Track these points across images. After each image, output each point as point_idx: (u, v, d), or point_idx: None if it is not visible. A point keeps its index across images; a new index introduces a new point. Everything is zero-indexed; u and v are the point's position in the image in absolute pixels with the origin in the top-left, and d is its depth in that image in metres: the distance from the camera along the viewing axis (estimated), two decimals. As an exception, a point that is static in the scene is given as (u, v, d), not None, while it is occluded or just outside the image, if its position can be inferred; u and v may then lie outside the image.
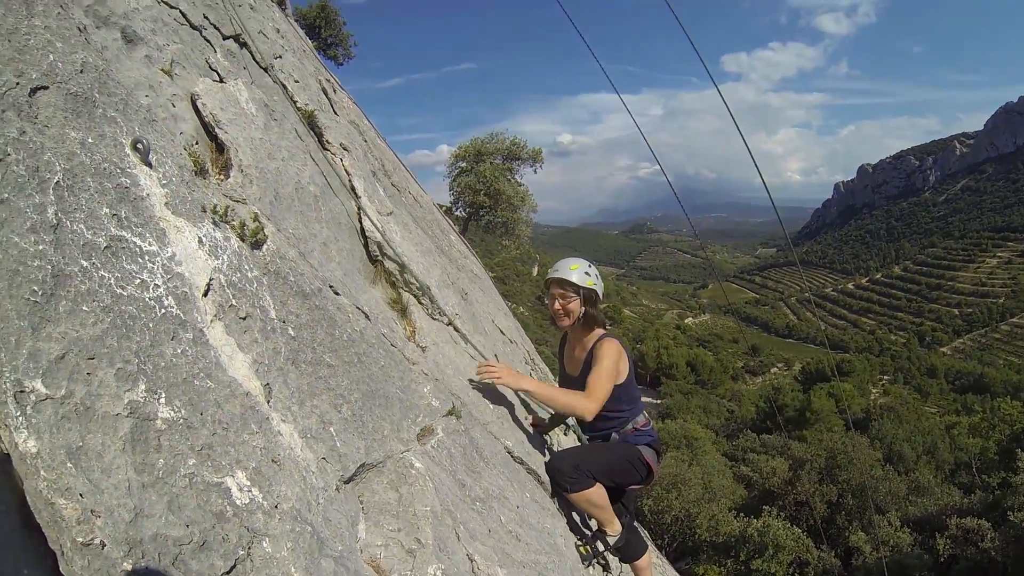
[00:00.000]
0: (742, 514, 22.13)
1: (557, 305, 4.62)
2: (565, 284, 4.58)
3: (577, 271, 4.59)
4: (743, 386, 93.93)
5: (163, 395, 2.06)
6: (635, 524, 5.30)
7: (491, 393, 4.86)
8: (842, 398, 48.60)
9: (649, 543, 7.00)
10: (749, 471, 28.24)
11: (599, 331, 4.71)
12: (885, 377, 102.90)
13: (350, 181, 4.99)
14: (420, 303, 4.88)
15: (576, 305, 4.59)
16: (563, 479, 4.49)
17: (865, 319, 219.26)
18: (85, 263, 2.03)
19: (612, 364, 4.45)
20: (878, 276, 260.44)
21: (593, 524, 5.07)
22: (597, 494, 4.52)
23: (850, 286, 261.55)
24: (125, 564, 1.67)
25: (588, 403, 4.32)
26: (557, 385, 5.14)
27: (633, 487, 4.94)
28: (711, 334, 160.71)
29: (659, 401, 67.34)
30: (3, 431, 1.62)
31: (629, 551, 5.04)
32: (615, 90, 4.84)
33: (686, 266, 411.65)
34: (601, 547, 4.87)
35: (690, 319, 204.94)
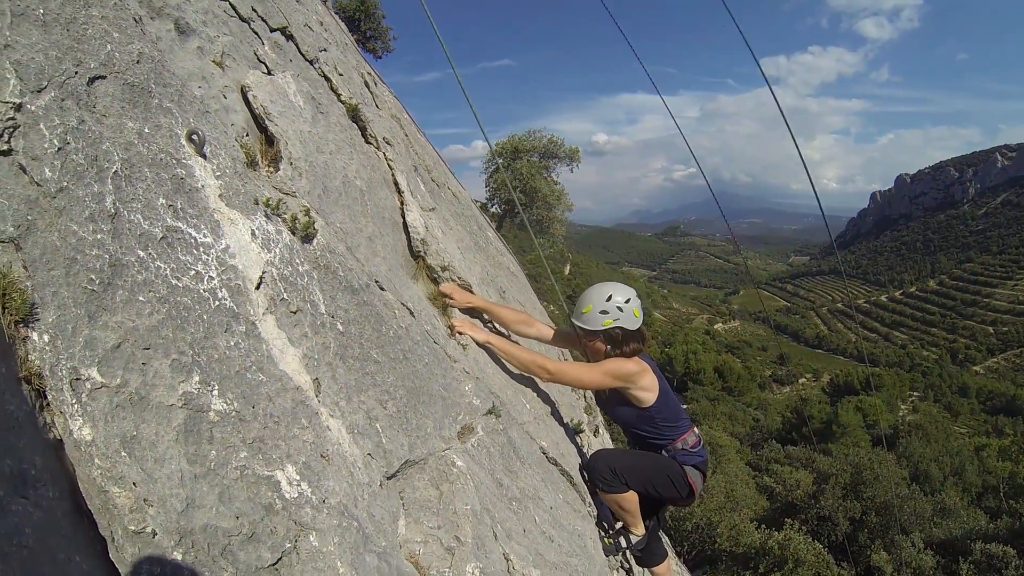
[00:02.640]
0: (763, 526, 21.82)
1: (585, 341, 4.47)
2: (582, 329, 4.40)
3: (591, 312, 4.33)
4: (770, 395, 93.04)
5: (216, 387, 2.06)
6: (659, 532, 5.26)
7: (529, 393, 4.84)
8: (870, 413, 48.04)
9: (669, 550, 6.96)
10: (772, 482, 27.84)
11: (636, 357, 4.40)
12: (915, 393, 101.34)
13: (393, 176, 4.98)
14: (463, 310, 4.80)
15: (599, 345, 4.37)
16: (597, 477, 4.48)
17: (897, 333, 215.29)
18: (142, 253, 2.03)
19: (611, 375, 4.27)
20: (912, 289, 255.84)
21: (617, 524, 5.04)
22: (628, 499, 4.49)
23: (883, 298, 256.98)
24: (175, 553, 1.68)
25: (547, 372, 4.36)
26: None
27: (670, 502, 4.86)
28: (740, 341, 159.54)
29: (685, 406, 66.95)
30: (58, 417, 1.63)
31: (648, 557, 5.00)
32: (658, 92, 4.78)
33: (718, 271, 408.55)
34: (623, 543, 4.85)
35: (720, 325, 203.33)
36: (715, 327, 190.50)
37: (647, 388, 4.32)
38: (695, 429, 4.63)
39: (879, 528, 22.46)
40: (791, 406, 55.24)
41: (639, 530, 4.79)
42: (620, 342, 4.31)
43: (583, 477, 4.92)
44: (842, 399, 54.87)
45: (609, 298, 4.30)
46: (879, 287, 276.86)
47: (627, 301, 4.31)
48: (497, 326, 5.01)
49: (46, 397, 1.62)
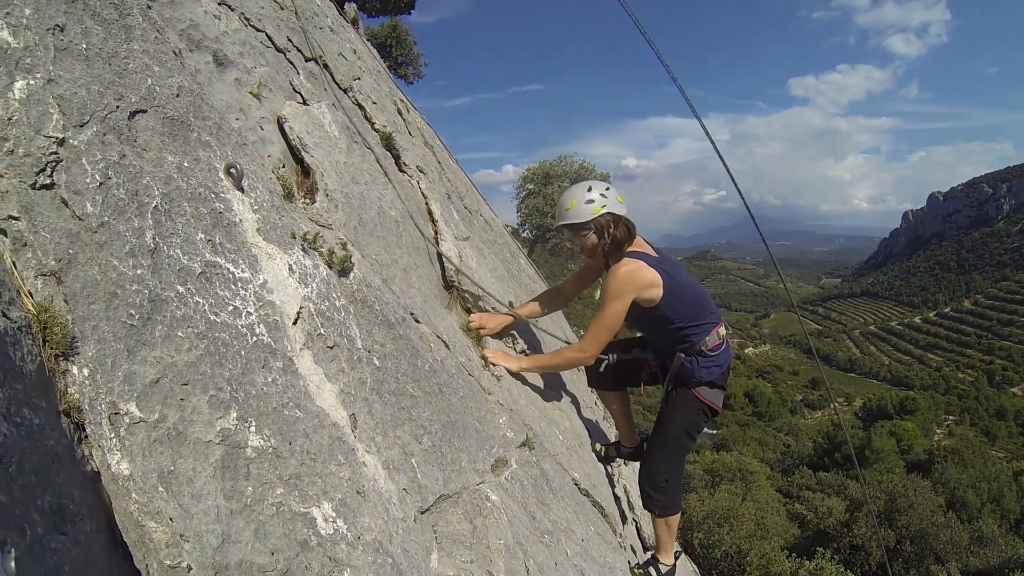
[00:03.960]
0: (794, 554, 21.39)
1: (576, 247, 4.21)
2: (571, 227, 4.14)
3: (576, 206, 4.07)
4: (801, 420, 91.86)
5: (253, 424, 2.05)
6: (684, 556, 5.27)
7: (562, 424, 4.80)
8: (904, 438, 47.23)
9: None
10: (804, 509, 27.29)
11: (625, 258, 4.11)
12: (951, 417, 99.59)
13: (427, 205, 4.99)
14: (495, 335, 4.79)
15: (592, 239, 4.09)
16: (653, 504, 4.50)
17: (931, 355, 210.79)
18: (181, 288, 2.03)
19: (614, 297, 4.02)
20: (947, 310, 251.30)
21: (646, 555, 5.01)
22: (677, 520, 4.61)
23: (917, 320, 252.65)
24: (210, 589, 1.66)
25: (581, 351, 4.26)
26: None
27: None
28: (771, 365, 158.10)
29: (715, 431, 66.43)
30: (96, 451, 1.62)
31: None
32: (697, 117, 4.69)
33: (748, 295, 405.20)
34: (653, 574, 4.79)
35: (750, 349, 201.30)
36: (746, 351, 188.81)
37: (651, 284, 4.04)
38: (720, 329, 4.35)
39: (914, 557, 21.94)
40: (823, 431, 54.44)
41: (669, 559, 4.78)
42: (611, 228, 4.06)
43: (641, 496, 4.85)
44: (875, 424, 54.07)
45: (590, 189, 4.12)
46: (913, 308, 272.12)
47: (607, 189, 4.13)
48: (535, 322, 4.98)
49: (84, 430, 1.62)
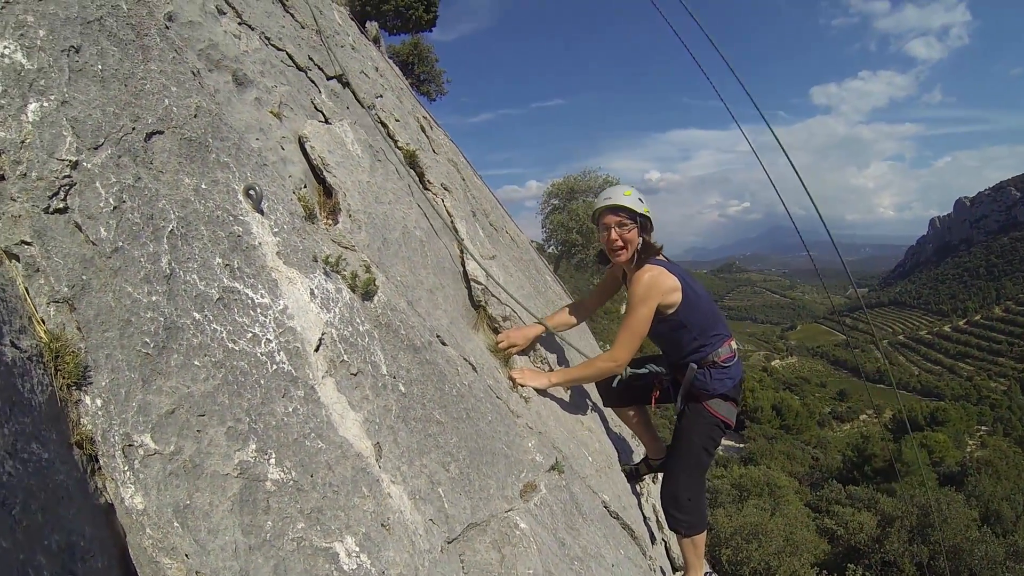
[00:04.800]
0: (824, 571, 20.98)
1: (614, 235, 4.17)
2: (621, 211, 4.17)
3: (631, 196, 4.19)
4: (829, 433, 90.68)
5: (273, 456, 1.99)
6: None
7: (591, 444, 4.70)
8: (936, 450, 46.45)
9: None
10: (834, 524, 26.77)
11: (647, 264, 4.18)
12: (983, 428, 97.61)
13: (452, 223, 4.92)
14: (523, 350, 4.72)
15: (635, 235, 4.17)
16: (679, 525, 4.45)
17: (962, 364, 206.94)
18: (198, 315, 1.98)
19: (642, 301, 4.05)
20: (977, 318, 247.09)
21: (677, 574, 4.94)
22: (703, 538, 4.55)
23: (946, 328, 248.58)
24: (226, 627, 1.61)
25: (612, 360, 4.20)
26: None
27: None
28: (798, 377, 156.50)
29: (742, 445, 65.82)
30: (109, 483, 1.58)
31: None
32: (738, 126, 4.62)
33: (774, 306, 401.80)
34: None
35: (777, 361, 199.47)
36: (772, 363, 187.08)
37: (672, 288, 4.10)
38: (731, 343, 4.41)
39: (949, 574, 21.47)
40: (852, 443, 53.59)
41: None
42: (650, 230, 4.27)
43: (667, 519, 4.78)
44: (905, 436, 53.21)
45: (638, 190, 4.30)
46: (942, 317, 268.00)
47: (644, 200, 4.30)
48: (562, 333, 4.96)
49: (98, 462, 1.59)
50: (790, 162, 4.00)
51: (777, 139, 4.02)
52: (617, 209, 4.18)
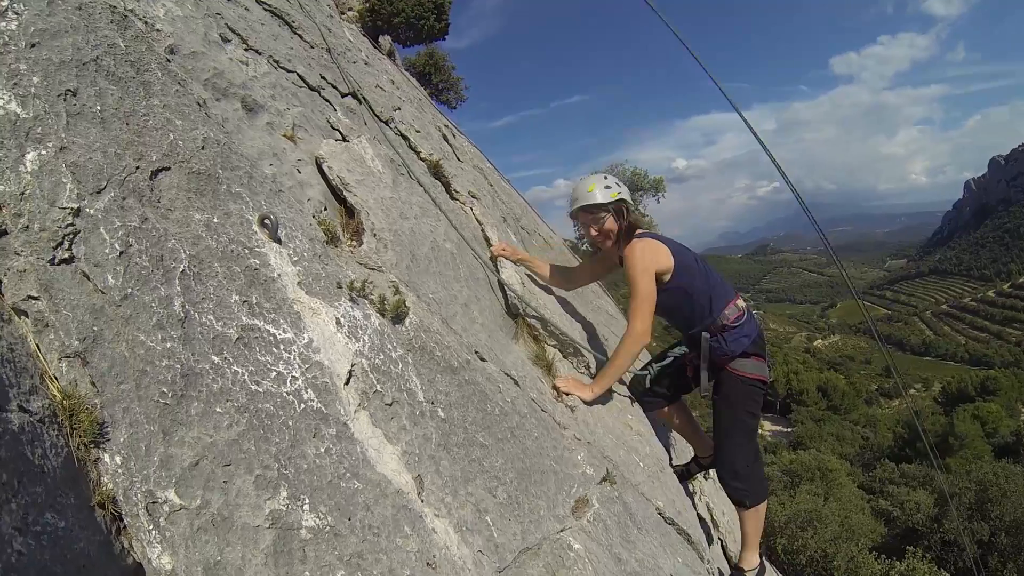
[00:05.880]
0: (883, 555, 20.45)
1: (593, 232, 4.39)
2: (592, 209, 4.34)
3: (596, 190, 4.33)
4: (878, 410, 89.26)
5: (307, 501, 1.90)
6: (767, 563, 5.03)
7: (642, 449, 4.57)
8: (989, 420, 45.50)
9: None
10: (889, 505, 26.14)
11: (634, 240, 4.32)
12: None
13: (483, 231, 4.86)
14: (565, 357, 4.64)
15: (611, 223, 4.34)
16: (743, 495, 4.42)
17: (1010, 329, 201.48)
18: (216, 359, 1.89)
19: (641, 273, 4.13)
20: (1022, 280, 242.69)
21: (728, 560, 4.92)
22: (764, 508, 4.52)
23: (991, 294, 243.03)
24: None
25: (633, 335, 4.14)
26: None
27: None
28: (842, 356, 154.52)
29: (790, 429, 65.05)
30: (135, 543, 1.51)
31: None
32: (738, 112, 4.53)
33: (812, 285, 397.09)
34: None
35: (819, 341, 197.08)
36: (815, 344, 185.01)
37: (665, 254, 4.27)
38: (738, 302, 4.45)
39: (1011, 550, 20.78)
40: (902, 420, 52.59)
41: (755, 558, 4.64)
42: (625, 214, 4.37)
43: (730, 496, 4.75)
44: (957, 408, 52.20)
45: (606, 177, 4.46)
46: (985, 282, 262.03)
47: (619, 182, 4.45)
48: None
49: (122, 521, 1.51)
50: (774, 160, 3.85)
51: (758, 136, 3.88)
52: (588, 208, 4.35)
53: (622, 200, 4.33)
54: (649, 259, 4.17)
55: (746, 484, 4.40)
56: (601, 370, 4.47)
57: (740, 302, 4.46)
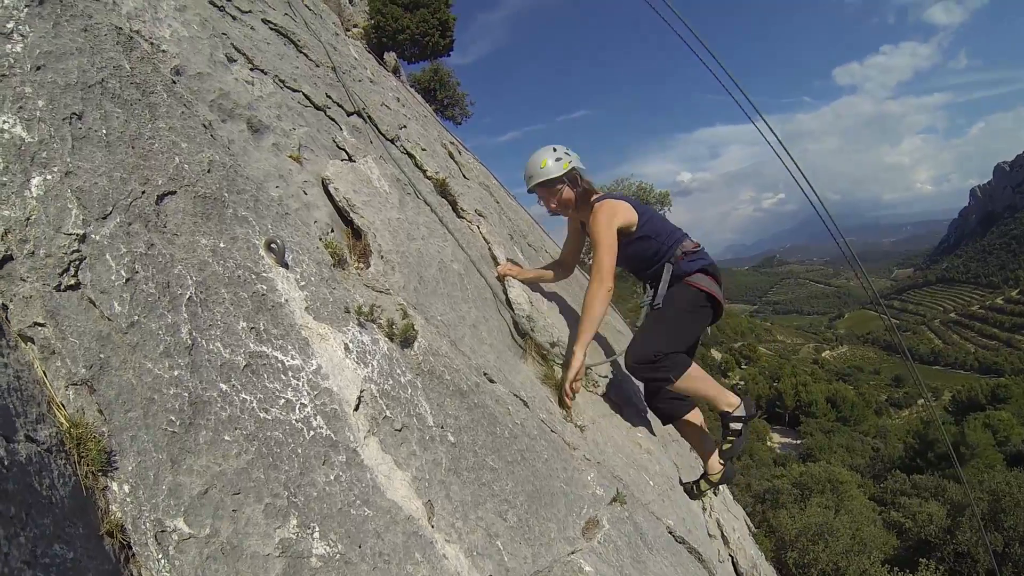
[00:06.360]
0: (896, 568, 20.24)
1: (553, 205, 4.61)
2: (547, 184, 4.52)
3: (547, 165, 4.51)
4: (888, 420, 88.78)
5: (317, 529, 1.87)
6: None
7: (652, 468, 4.54)
8: (1000, 429, 45.16)
9: None
10: (901, 517, 25.88)
11: (595, 204, 4.54)
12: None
13: (490, 250, 4.84)
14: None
15: (567, 192, 4.56)
16: (657, 372, 4.19)
17: (1020, 336, 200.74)
18: (224, 386, 1.87)
19: (604, 228, 4.33)
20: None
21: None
22: (696, 371, 4.26)
23: (999, 301, 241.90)
24: None
25: (599, 284, 4.27)
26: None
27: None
28: (850, 366, 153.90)
29: (799, 441, 64.76)
30: (144, 572, 1.49)
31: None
32: (762, 117, 4.52)
33: (819, 296, 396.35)
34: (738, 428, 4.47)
35: (827, 352, 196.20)
36: (823, 355, 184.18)
37: (627, 210, 4.48)
38: (690, 237, 4.67)
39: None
40: (912, 430, 52.23)
41: (731, 399, 4.43)
42: (579, 180, 4.58)
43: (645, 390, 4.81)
44: (968, 417, 51.84)
45: (555, 149, 4.58)
46: (993, 289, 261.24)
47: (568, 151, 4.60)
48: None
49: (131, 549, 1.49)
50: (784, 154, 3.83)
51: (780, 141, 3.86)
52: (543, 183, 4.53)
53: (574, 168, 4.51)
54: (613, 215, 4.37)
55: (659, 367, 4.17)
56: (577, 338, 4.41)
57: (692, 238, 4.66)
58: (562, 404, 4.15)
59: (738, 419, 4.42)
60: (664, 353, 4.15)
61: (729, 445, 4.45)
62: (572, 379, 4.12)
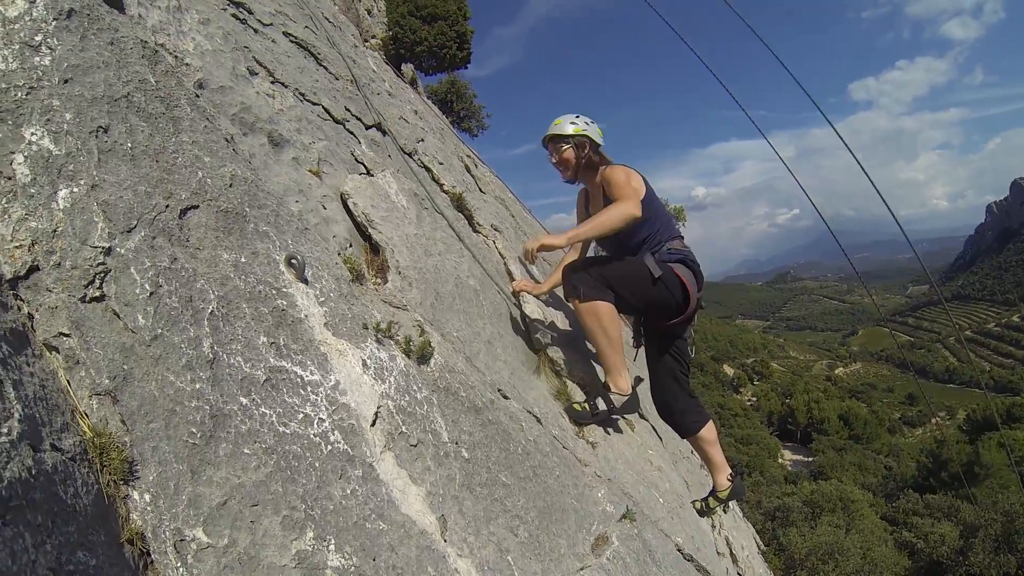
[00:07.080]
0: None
1: (554, 159, 4.66)
2: (556, 139, 4.61)
3: (562, 123, 4.60)
4: (901, 439, 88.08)
5: (332, 542, 1.89)
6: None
7: (662, 485, 4.54)
8: (1016, 448, 44.79)
9: None
10: (913, 537, 25.58)
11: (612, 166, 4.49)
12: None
13: (505, 265, 4.86)
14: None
15: (570, 153, 4.59)
16: (579, 283, 4.11)
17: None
18: (244, 400, 1.89)
19: (624, 177, 4.26)
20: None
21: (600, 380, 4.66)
22: (607, 310, 4.06)
23: (1015, 319, 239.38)
24: None
25: (625, 204, 4.07)
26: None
27: (673, 322, 4.42)
28: (864, 384, 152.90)
29: (811, 459, 64.33)
30: None
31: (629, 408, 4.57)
32: (765, 137, 4.50)
33: (833, 313, 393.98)
34: (601, 405, 4.25)
35: (840, 369, 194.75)
36: (836, 372, 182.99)
37: (640, 180, 4.38)
38: (683, 241, 4.57)
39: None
40: (925, 449, 51.79)
41: (621, 384, 4.28)
42: (587, 149, 4.57)
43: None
44: (982, 436, 51.40)
45: (578, 116, 4.64)
46: (1010, 307, 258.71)
47: (591, 122, 4.65)
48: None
49: (150, 557, 1.52)
50: (788, 171, 3.85)
51: (779, 154, 3.88)
52: (553, 138, 4.62)
53: (586, 136, 4.54)
54: (630, 176, 4.28)
55: (580, 283, 4.13)
56: (580, 226, 4.25)
57: (683, 242, 4.55)
58: (526, 257, 4.13)
59: (610, 402, 4.25)
60: (588, 272, 4.15)
61: (580, 408, 4.23)
62: (537, 247, 4.04)
